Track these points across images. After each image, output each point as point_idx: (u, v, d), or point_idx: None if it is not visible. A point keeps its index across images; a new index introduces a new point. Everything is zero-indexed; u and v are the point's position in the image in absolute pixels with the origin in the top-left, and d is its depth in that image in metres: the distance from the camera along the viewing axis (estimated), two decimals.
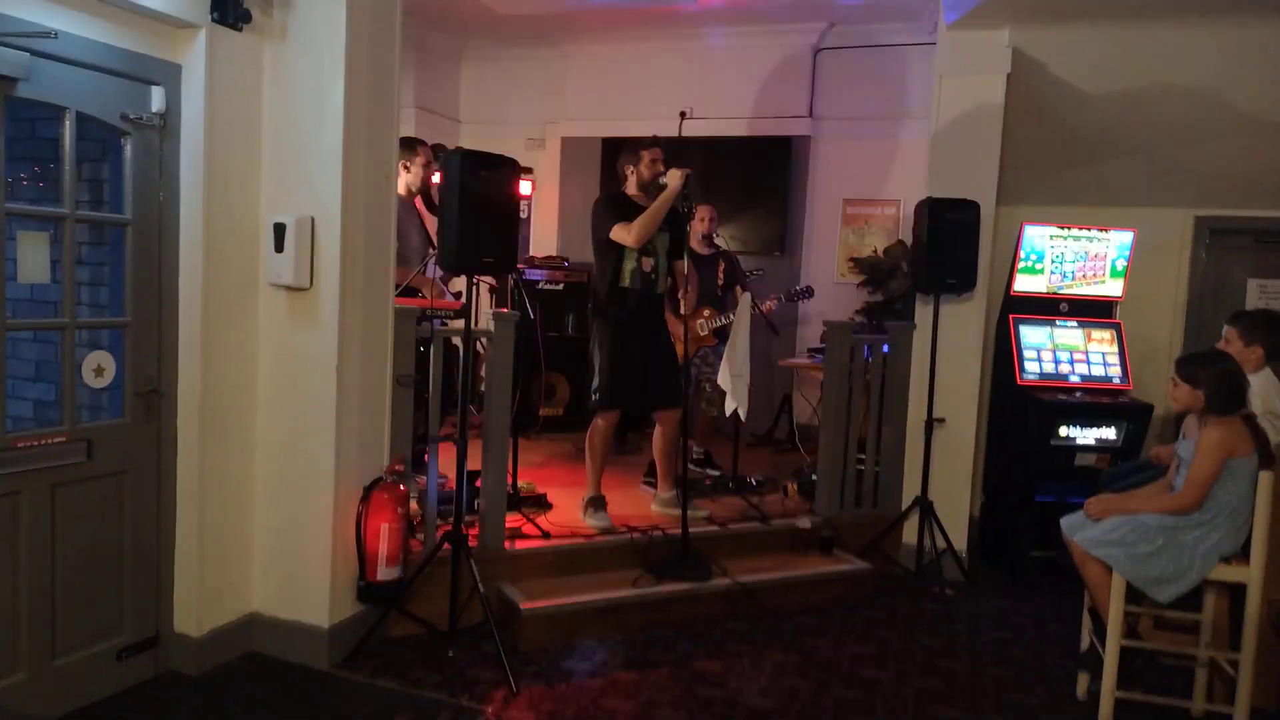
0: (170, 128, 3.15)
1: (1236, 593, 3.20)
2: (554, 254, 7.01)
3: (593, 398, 4.40)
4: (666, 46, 6.88)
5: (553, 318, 6.32)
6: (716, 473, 5.36)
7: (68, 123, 2.85)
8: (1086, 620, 3.50)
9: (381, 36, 3.46)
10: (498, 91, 7.48)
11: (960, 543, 4.76)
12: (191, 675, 3.25)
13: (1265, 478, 3.00)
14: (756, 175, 6.87)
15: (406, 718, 3.08)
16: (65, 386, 2.91)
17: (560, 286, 6.61)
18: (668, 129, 6.71)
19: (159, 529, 3.23)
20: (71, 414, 2.92)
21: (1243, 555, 3.09)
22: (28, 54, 2.65)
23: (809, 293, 5.62)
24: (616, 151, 6.72)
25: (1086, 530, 3.28)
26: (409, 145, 4.58)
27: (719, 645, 3.80)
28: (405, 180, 4.53)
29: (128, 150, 3.06)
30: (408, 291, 4.54)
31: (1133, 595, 3.17)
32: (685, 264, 4.38)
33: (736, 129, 6.84)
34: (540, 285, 6.49)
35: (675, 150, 4.47)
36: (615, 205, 4.33)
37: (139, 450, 3.14)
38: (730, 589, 4.05)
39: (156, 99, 3.10)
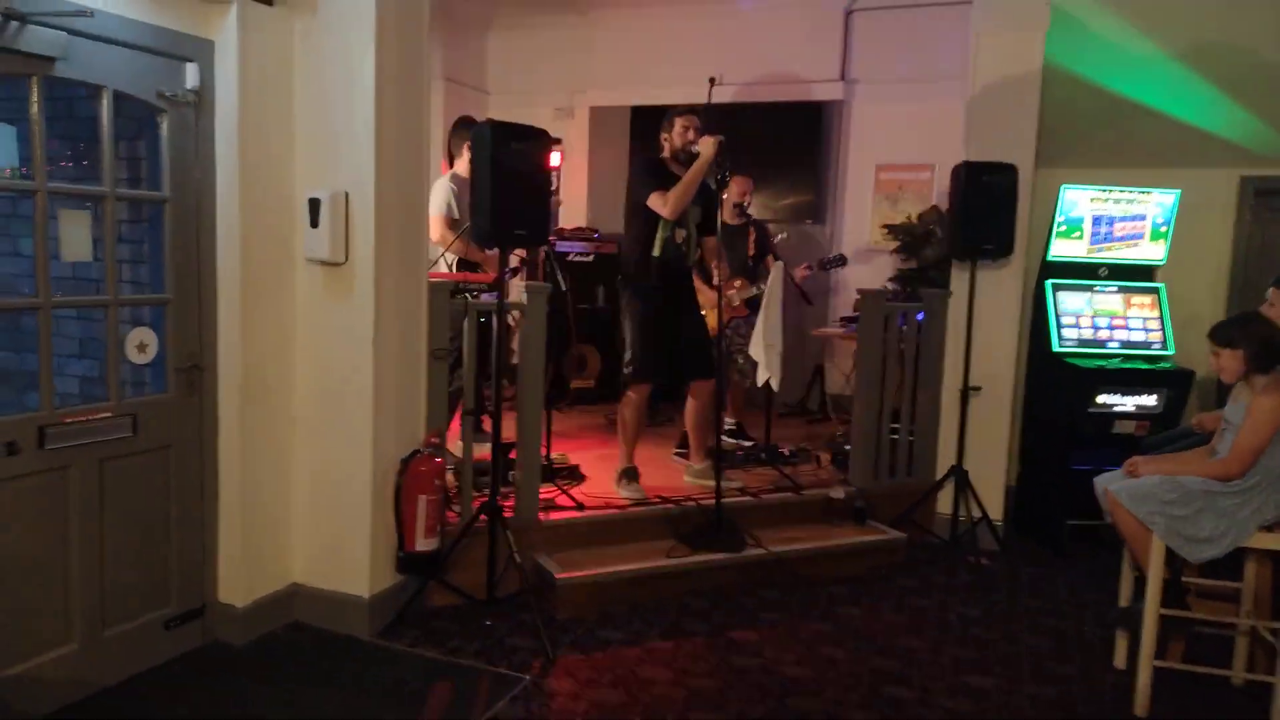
0: (205, 104, 3.17)
1: (1278, 561, 3.16)
2: (583, 225, 6.99)
3: (625, 370, 4.40)
4: (695, 11, 6.78)
5: (583, 289, 6.33)
6: (749, 444, 5.36)
7: (105, 101, 2.87)
8: (1127, 574, 3.47)
9: (410, 7, 3.44)
10: (525, 61, 7.42)
11: (996, 512, 4.73)
12: (236, 645, 3.33)
13: None
14: (788, 141, 6.79)
15: (447, 686, 3.14)
16: (110, 363, 2.97)
17: (590, 258, 6.61)
18: (697, 96, 6.56)
19: (203, 502, 3.29)
20: (116, 390, 2.98)
21: None
22: (65, 33, 2.67)
23: (842, 261, 5.57)
24: (645, 120, 6.73)
25: (1123, 481, 3.25)
26: (468, 125, 4.61)
27: (753, 615, 3.82)
28: (466, 160, 4.54)
29: (164, 128, 3.08)
30: (470, 265, 4.59)
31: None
32: (717, 240, 4.34)
33: (767, 94, 6.75)
34: (570, 257, 6.49)
35: (707, 117, 4.42)
36: (654, 170, 4.30)
37: (182, 425, 3.20)
38: (764, 559, 4.07)
39: (191, 76, 3.12)
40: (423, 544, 3.49)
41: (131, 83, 2.95)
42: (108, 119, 2.89)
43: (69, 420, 2.82)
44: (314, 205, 3.32)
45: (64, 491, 2.82)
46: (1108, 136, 5.19)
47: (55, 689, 2.83)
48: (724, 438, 5.09)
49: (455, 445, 3.99)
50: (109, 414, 2.94)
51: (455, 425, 4.09)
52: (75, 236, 2.91)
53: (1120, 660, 3.46)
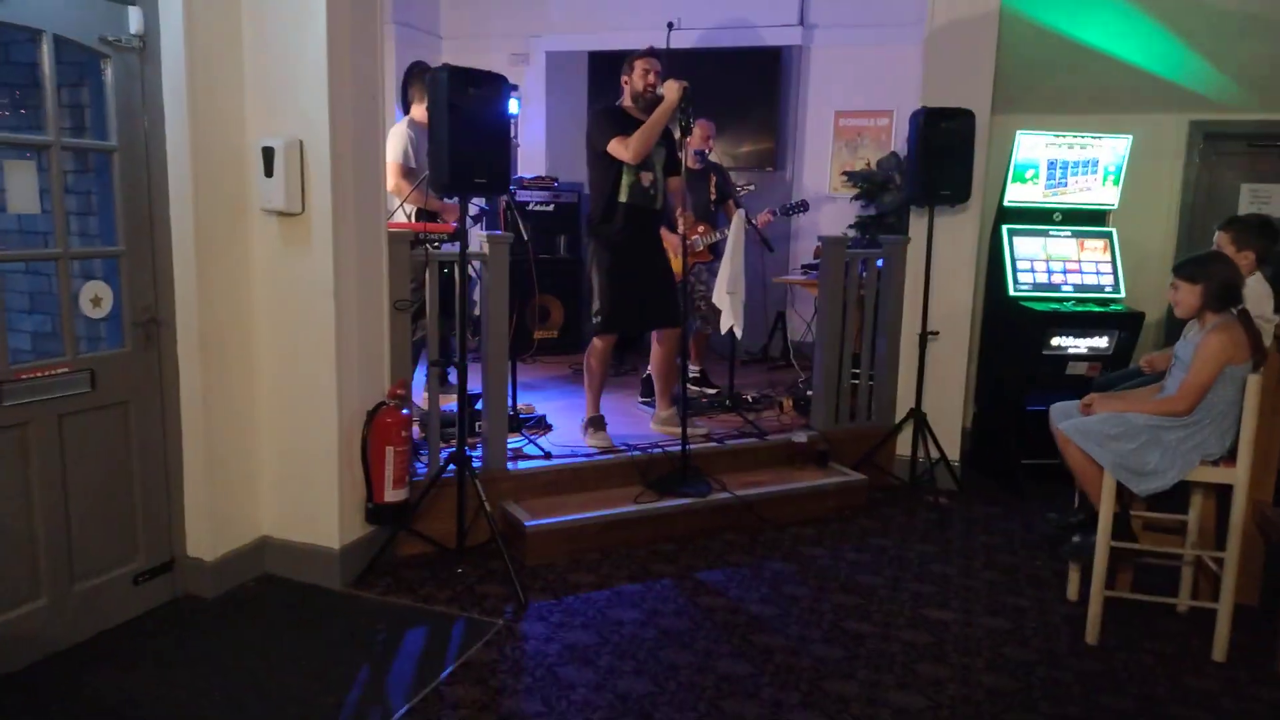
0: (150, 50, 3.07)
1: (1222, 494, 3.29)
2: (543, 174, 6.92)
3: (594, 320, 4.40)
4: None
5: (544, 239, 6.28)
6: (713, 390, 5.42)
7: (45, 46, 2.77)
8: (1078, 502, 3.59)
9: None
10: (479, 5, 7.25)
11: (953, 453, 4.85)
12: (208, 598, 3.32)
13: (1254, 380, 3.05)
14: (747, 88, 6.76)
15: (421, 631, 3.17)
16: (64, 317, 2.90)
17: (551, 207, 6.55)
18: (655, 41, 6.48)
19: (166, 456, 3.26)
20: (72, 345, 2.91)
21: (1229, 458, 3.16)
22: None
23: (804, 206, 5.59)
24: (603, 66, 6.64)
25: (1074, 419, 3.36)
26: (423, 71, 4.50)
27: (720, 556, 3.90)
28: (423, 108, 4.45)
29: (108, 74, 2.98)
30: (429, 215, 4.52)
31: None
32: (681, 181, 4.33)
33: (726, 40, 6.69)
34: (531, 206, 6.43)
35: (666, 63, 4.37)
36: (612, 118, 4.25)
37: (141, 379, 3.15)
38: (729, 502, 4.14)
39: (134, 20, 3.01)
40: (392, 495, 3.50)
41: (72, 27, 2.84)
42: (49, 65, 2.79)
43: (25, 376, 2.76)
44: (268, 154, 3.24)
45: (24, 448, 2.78)
46: (1062, 82, 5.24)
47: (25, 645, 2.82)
48: (689, 385, 5.14)
49: (422, 398, 3.98)
50: (66, 369, 2.88)
51: (421, 377, 4.07)
52: (21, 187, 2.82)
53: (1073, 592, 3.59)
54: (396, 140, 4.61)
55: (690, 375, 5.38)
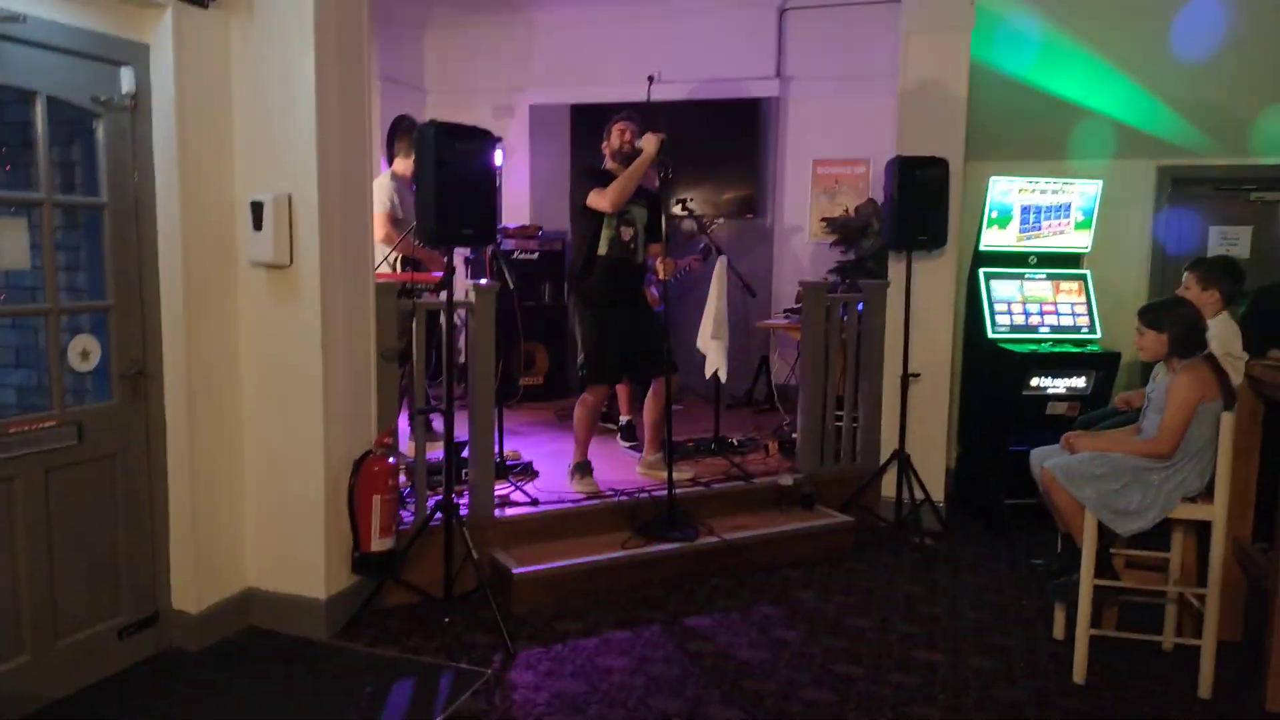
0: (141, 108, 3.13)
1: (1203, 531, 3.33)
2: (527, 223, 7.01)
3: (580, 373, 4.44)
4: (632, 11, 6.84)
5: (529, 287, 6.34)
6: (628, 444, 5.29)
7: (39, 106, 2.83)
8: (1060, 544, 3.62)
9: (349, 7, 3.44)
10: (463, 60, 7.40)
11: (938, 493, 4.89)
12: (192, 651, 3.29)
13: (1227, 418, 3.12)
14: (726, 138, 6.90)
15: (409, 682, 3.15)
16: (52, 371, 2.92)
17: (535, 255, 6.63)
18: (636, 95, 6.70)
19: (152, 508, 3.25)
20: (60, 398, 2.93)
21: (1207, 494, 3.22)
22: None
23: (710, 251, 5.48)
24: (586, 118, 6.77)
25: (1057, 458, 3.40)
26: (409, 128, 4.60)
27: (708, 601, 3.90)
28: (408, 162, 4.53)
29: (100, 132, 3.04)
30: (414, 264, 4.58)
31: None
32: (661, 246, 4.38)
33: (705, 92, 6.84)
34: (515, 255, 6.50)
35: (646, 116, 4.48)
36: (592, 175, 4.37)
37: (128, 432, 3.16)
38: (717, 546, 4.15)
39: (126, 80, 3.07)
40: (378, 544, 3.49)
41: (66, 88, 2.90)
42: (42, 124, 2.84)
43: (12, 430, 2.77)
44: (256, 208, 3.30)
45: (9, 502, 2.77)
46: (1033, 130, 5.40)
47: (8, 701, 2.78)
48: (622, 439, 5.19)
49: (408, 445, 3.99)
50: (53, 423, 2.89)
51: (404, 424, 4.09)
52: (12, 244, 2.85)
53: (1059, 631, 3.61)
54: (381, 192, 4.68)
55: (621, 423, 5.39)
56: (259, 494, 3.50)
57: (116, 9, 3.01)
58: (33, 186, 2.88)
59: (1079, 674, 3.27)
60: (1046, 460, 3.44)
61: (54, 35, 2.82)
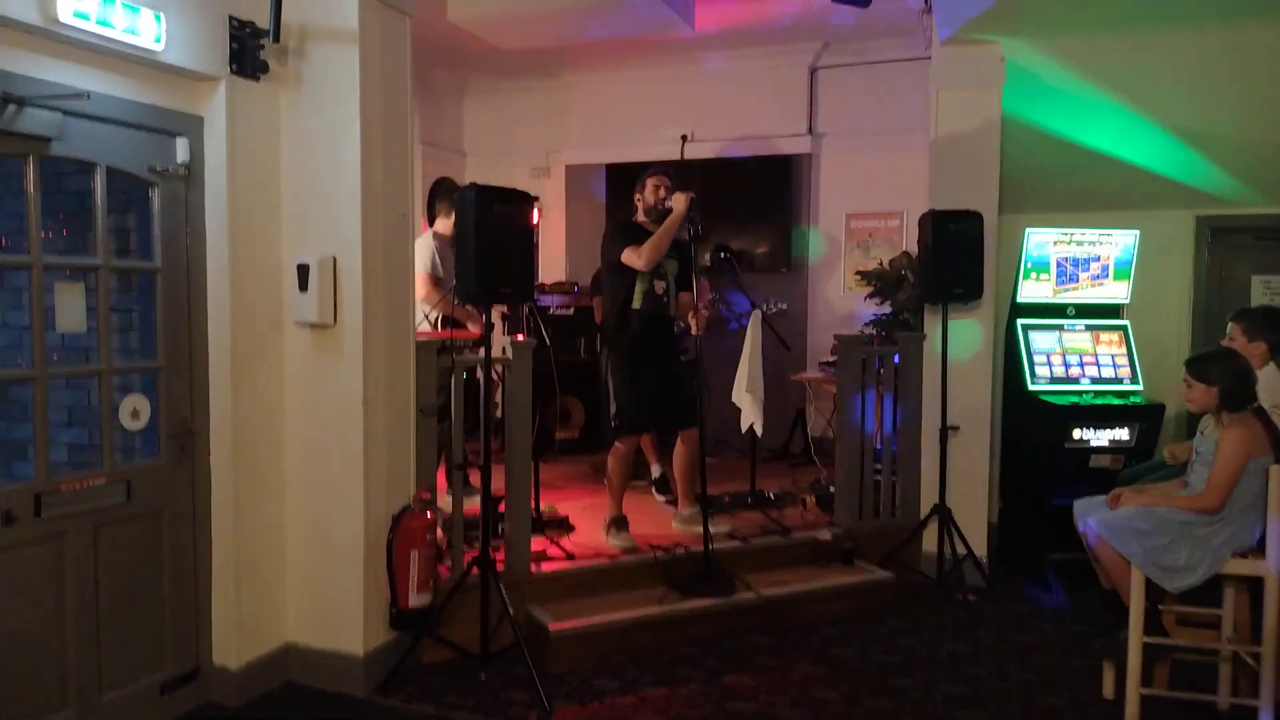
0: (195, 177, 3.26)
1: (1255, 587, 3.24)
2: (563, 279, 7.11)
3: (612, 425, 4.48)
4: (666, 73, 7.00)
5: (565, 342, 6.41)
6: (663, 497, 5.25)
7: (99, 177, 2.96)
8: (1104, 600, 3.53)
9: (393, 78, 3.57)
10: (501, 123, 7.61)
11: (980, 549, 4.80)
12: (232, 706, 3.32)
13: (1276, 472, 3.05)
14: (760, 194, 6.97)
15: None
16: (104, 430, 3.01)
17: (571, 311, 6.71)
18: (669, 153, 6.82)
19: (196, 565, 3.31)
20: (111, 456, 3.01)
21: (1258, 549, 3.14)
22: (61, 114, 2.76)
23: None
24: (620, 177, 6.90)
25: (1102, 513, 3.34)
26: (449, 190, 4.74)
27: (747, 659, 3.85)
28: (449, 222, 4.65)
29: (155, 200, 3.17)
30: (454, 323, 4.68)
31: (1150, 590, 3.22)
32: (692, 297, 4.44)
33: (738, 150, 6.94)
34: (551, 311, 6.59)
35: (679, 174, 4.57)
36: (626, 231, 4.44)
37: (175, 489, 3.24)
38: (755, 603, 4.11)
39: (181, 150, 3.21)
40: (416, 600, 3.51)
41: (124, 158, 3.04)
42: (101, 194, 2.97)
43: (64, 488, 2.85)
44: (302, 270, 3.40)
45: (59, 559, 2.84)
46: (1068, 183, 5.39)
47: None
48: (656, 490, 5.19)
49: (444, 500, 4.03)
50: (103, 480, 2.97)
51: (441, 480, 4.12)
52: (70, 308, 2.96)
53: (1108, 690, 3.51)
54: (423, 252, 4.79)
55: (654, 476, 5.37)
56: (300, 549, 3.55)
57: (174, 83, 3.16)
58: (90, 252, 3.00)
59: None
60: (1090, 515, 3.38)
61: (115, 109, 2.97)
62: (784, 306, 6.55)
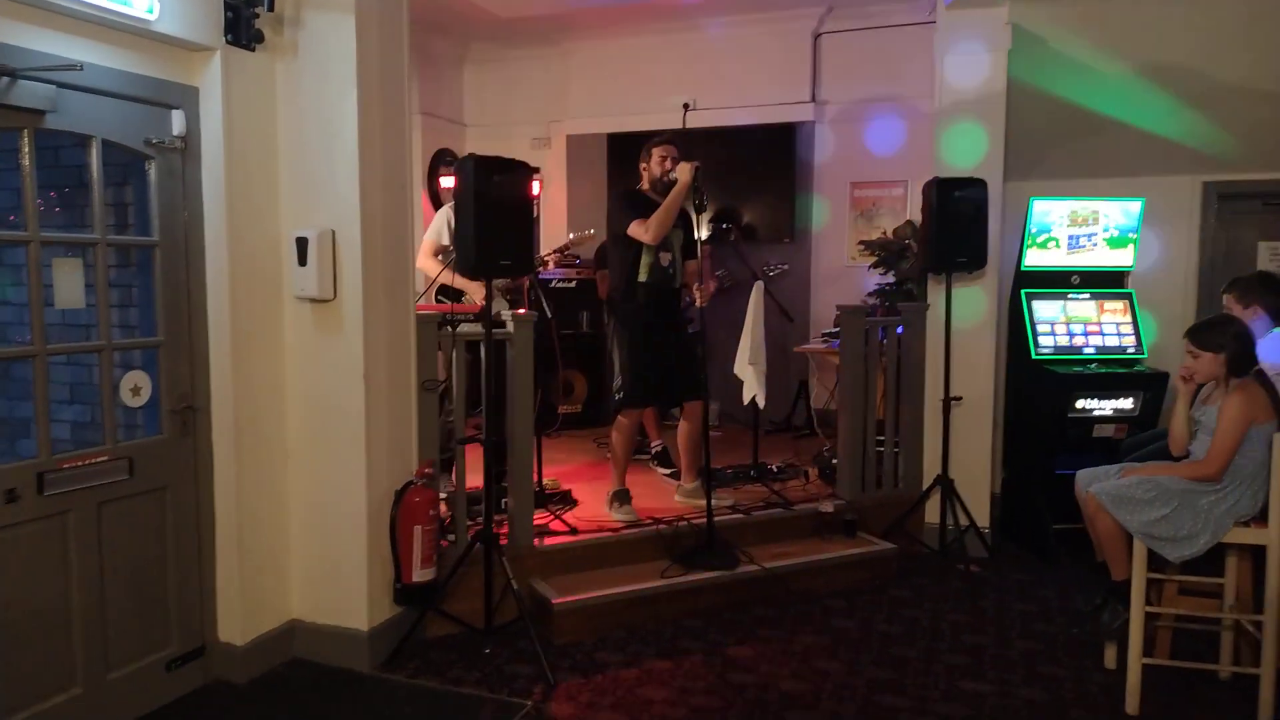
0: (191, 149, 3.22)
1: (1258, 556, 3.24)
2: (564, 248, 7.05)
3: (616, 396, 4.47)
4: (667, 40, 6.90)
5: (567, 315, 6.38)
6: (666, 471, 5.25)
7: (94, 150, 2.92)
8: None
9: (390, 47, 3.52)
10: (501, 93, 7.52)
11: (983, 519, 4.80)
12: (238, 683, 3.34)
13: (1279, 439, 3.03)
14: (763, 163, 6.91)
15: (450, 715, 3.16)
16: (105, 407, 3.00)
17: (573, 284, 6.67)
18: (672, 122, 6.75)
19: (199, 541, 3.32)
20: (112, 433, 3.01)
21: (1260, 518, 3.13)
22: (54, 86, 2.72)
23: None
24: (622, 146, 6.84)
25: (1102, 482, 3.33)
26: (450, 160, 4.68)
27: (749, 631, 3.87)
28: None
29: (152, 174, 3.13)
30: (455, 293, 4.64)
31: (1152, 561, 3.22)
32: (697, 264, 4.43)
33: (740, 118, 6.86)
34: (553, 284, 6.55)
35: (682, 143, 4.52)
36: (631, 202, 4.40)
37: (177, 465, 3.23)
38: (757, 575, 4.12)
39: (177, 122, 3.17)
40: (420, 575, 3.52)
41: (119, 131, 3.00)
42: (97, 167, 2.94)
43: (67, 465, 2.84)
44: (301, 244, 3.37)
45: (63, 536, 2.84)
46: (1073, 148, 5.31)
47: None
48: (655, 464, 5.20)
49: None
50: (106, 457, 2.97)
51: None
52: (69, 284, 2.94)
53: (1110, 660, 3.52)
54: (437, 221, 4.75)
55: (653, 450, 5.37)
56: (303, 526, 3.55)
57: (168, 54, 3.11)
58: (88, 227, 2.98)
59: (1132, 705, 3.18)
60: (1091, 485, 3.37)
61: (109, 81, 2.92)
62: (785, 267, 6.49)
